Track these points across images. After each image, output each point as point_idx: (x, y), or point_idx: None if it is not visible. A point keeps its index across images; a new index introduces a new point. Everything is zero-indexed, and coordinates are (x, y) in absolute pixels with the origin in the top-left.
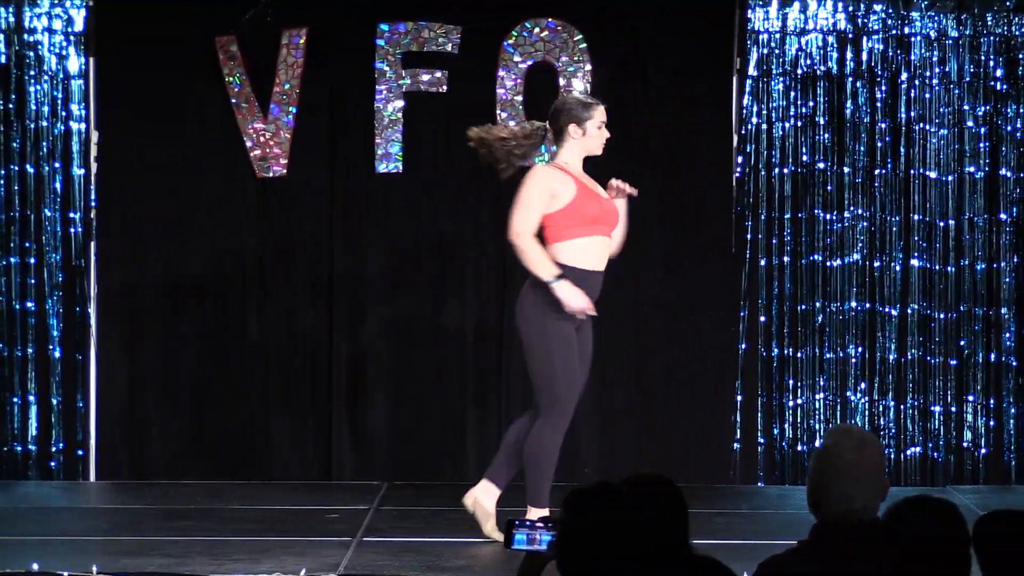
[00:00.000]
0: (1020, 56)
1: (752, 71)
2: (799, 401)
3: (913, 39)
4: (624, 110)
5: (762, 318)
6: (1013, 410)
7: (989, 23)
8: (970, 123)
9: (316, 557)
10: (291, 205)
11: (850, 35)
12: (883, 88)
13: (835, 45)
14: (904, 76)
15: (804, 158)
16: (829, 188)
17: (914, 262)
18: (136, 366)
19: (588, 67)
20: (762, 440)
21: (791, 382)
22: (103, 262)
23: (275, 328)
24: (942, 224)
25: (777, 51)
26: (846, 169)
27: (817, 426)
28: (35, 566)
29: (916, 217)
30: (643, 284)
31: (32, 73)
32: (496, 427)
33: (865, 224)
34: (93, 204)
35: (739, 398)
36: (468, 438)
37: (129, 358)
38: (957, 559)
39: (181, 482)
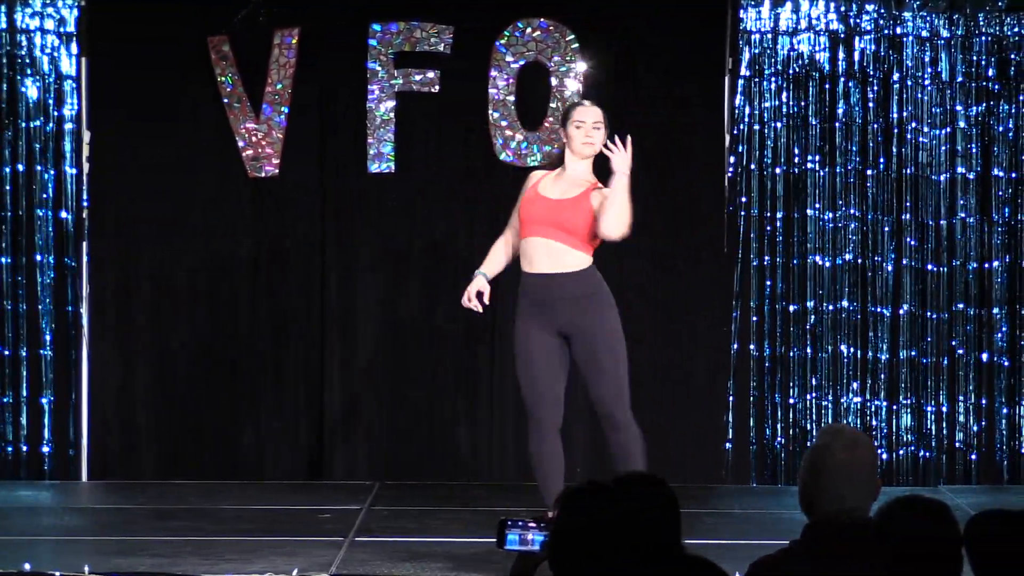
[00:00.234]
0: (1012, 56)
1: (744, 71)
2: (791, 401)
3: (905, 39)
4: (616, 110)
5: (754, 318)
6: (1005, 410)
7: (981, 23)
8: (962, 123)
9: (308, 557)
10: (283, 205)
11: (842, 35)
12: (875, 88)
13: (827, 45)
14: (896, 76)
15: (796, 158)
16: (821, 188)
17: (906, 262)
18: (128, 366)
19: (581, 66)
20: (754, 440)
21: (783, 382)
22: (95, 262)
23: (267, 328)
24: (934, 224)
25: (769, 51)
26: (838, 169)
27: (809, 426)
28: (27, 566)
29: (908, 217)
30: (636, 284)
31: (24, 73)
32: (488, 427)
33: (857, 224)
34: (85, 204)
35: (731, 398)
36: (460, 438)
37: (121, 358)
38: (949, 559)
39: (173, 482)
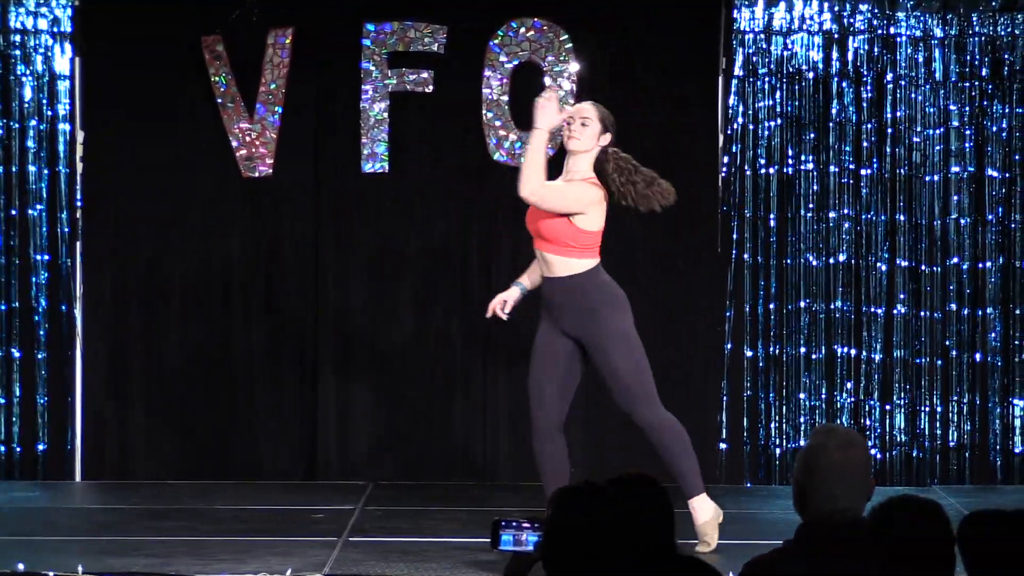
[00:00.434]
0: (1005, 56)
1: (738, 71)
2: (785, 401)
3: (899, 39)
4: (614, 110)
5: (748, 318)
6: (998, 410)
7: (974, 23)
8: (956, 123)
9: (302, 557)
10: (277, 205)
11: (836, 35)
12: (869, 88)
13: (821, 45)
14: (890, 76)
15: (790, 158)
16: (815, 188)
17: (900, 262)
18: (122, 366)
19: (574, 66)
20: (748, 440)
21: (777, 382)
22: (89, 262)
23: (261, 328)
24: (927, 224)
25: (763, 51)
26: (832, 169)
27: (803, 426)
28: (21, 566)
29: (902, 217)
30: (629, 284)
31: (18, 72)
32: (482, 428)
33: (851, 224)
34: (79, 204)
35: (725, 398)
36: (454, 439)
37: (115, 358)
38: (942, 559)
39: (167, 482)
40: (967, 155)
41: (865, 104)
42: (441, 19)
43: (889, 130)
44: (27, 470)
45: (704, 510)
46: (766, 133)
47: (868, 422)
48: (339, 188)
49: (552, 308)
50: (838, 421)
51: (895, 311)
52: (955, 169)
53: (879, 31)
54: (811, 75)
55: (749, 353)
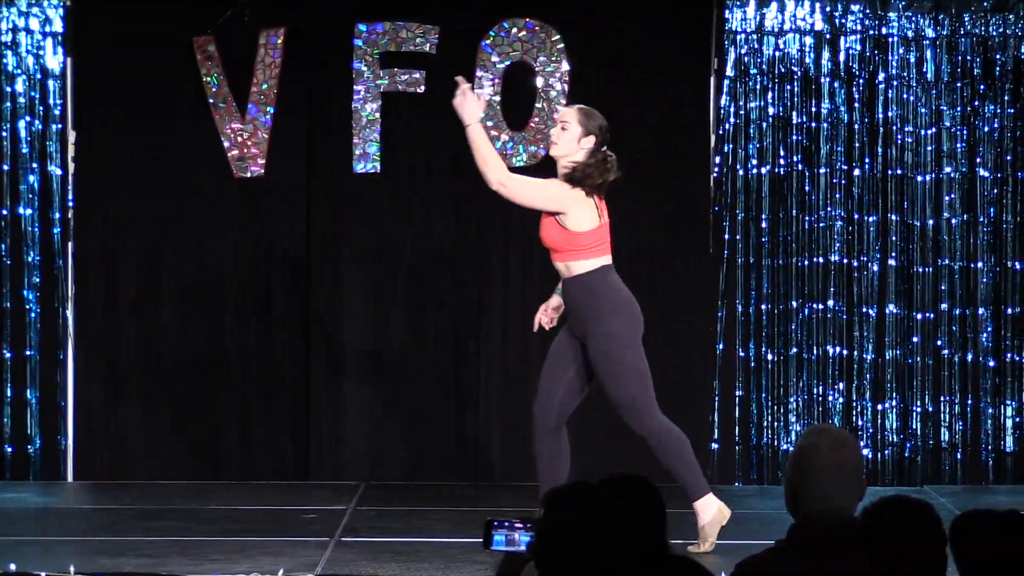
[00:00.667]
0: (997, 56)
1: (729, 71)
2: (776, 401)
3: (890, 39)
4: (606, 111)
5: (740, 318)
6: (990, 410)
7: (966, 23)
8: (947, 123)
9: (294, 557)
10: (269, 205)
11: (827, 35)
12: (860, 88)
13: (812, 45)
14: (881, 76)
15: (782, 158)
16: (807, 188)
17: (891, 262)
18: (114, 366)
19: (565, 67)
20: (739, 440)
21: (769, 382)
22: (80, 262)
23: (253, 328)
24: (919, 224)
25: (755, 51)
26: (824, 169)
27: (795, 426)
28: (12, 566)
29: (893, 217)
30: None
31: (9, 72)
32: (475, 428)
33: (843, 224)
34: (71, 204)
35: (717, 398)
36: (447, 439)
37: (107, 358)
38: (934, 559)
39: (159, 482)
40: (959, 155)
41: (857, 104)
42: (433, 19)
43: (881, 130)
44: (19, 470)
45: (707, 511)
46: (757, 133)
47: (860, 422)
48: (331, 188)
49: (567, 311)
50: (830, 421)
51: (887, 311)
52: (947, 169)
53: (871, 31)
54: (802, 75)
55: (741, 353)
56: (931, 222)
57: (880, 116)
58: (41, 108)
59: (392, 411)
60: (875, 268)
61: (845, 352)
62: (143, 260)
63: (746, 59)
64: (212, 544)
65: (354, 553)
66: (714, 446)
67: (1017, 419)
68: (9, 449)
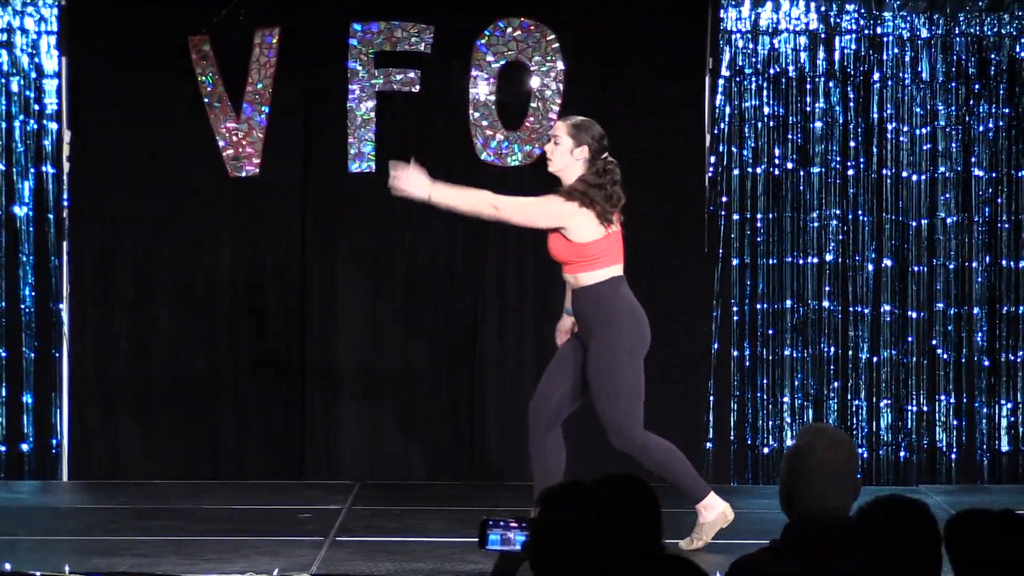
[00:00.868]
0: (992, 56)
1: (724, 71)
2: (771, 401)
3: (885, 39)
4: (603, 111)
5: (735, 318)
6: (985, 410)
7: (961, 23)
8: (942, 123)
9: (289, 557)
10: (264, 205)
11: (822, 35)
12: (855, 88)
13: (807, 45)
14: (876, 76)
15: (777, 158)
16: (801, 188)
17: (886, 262)
18: (109, 365)
19: (561, 66)
20: (734, 439)
21: (764, 382)
22: (75, 261)
23: (248, 327)
24: (914, 224)
25: (750, 51)
26: (819, 169)
27: (790, 426)
28: (7, 566)
29: (888, 217)
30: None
31: (4, 72)
32: (470, 428)
33: (838, 223)
34: (65, 203)
35: (712, 397)
36: (442, 439)
37: (102, 357)
38: (929, 558)
39: (154, 482)
40: (954, 155)
41: (852, 104)
42: (428, 19)
43: (876, 130)
44: (13, 469)
45: (710, 512)
46: (752, 133)
47: (855, 422)
48: (326, 188)
49: (576, 319)
50: (825, 421)
51: (882, 310)
52: (942, 169)
53: (866, 31)
54: (798, 75)
55: (736, 353)
56: (926, 221)
57: (875, 115)
58: (37, 108)
59: (387, 411)
60: (870, 268)
61: (840, 352)
62: (139, 259)
63: (741, 59)
64: (207, 544)
65: (349, 553)
66: (708, 445)
67: (1012, 419)
68: (3, 448)
